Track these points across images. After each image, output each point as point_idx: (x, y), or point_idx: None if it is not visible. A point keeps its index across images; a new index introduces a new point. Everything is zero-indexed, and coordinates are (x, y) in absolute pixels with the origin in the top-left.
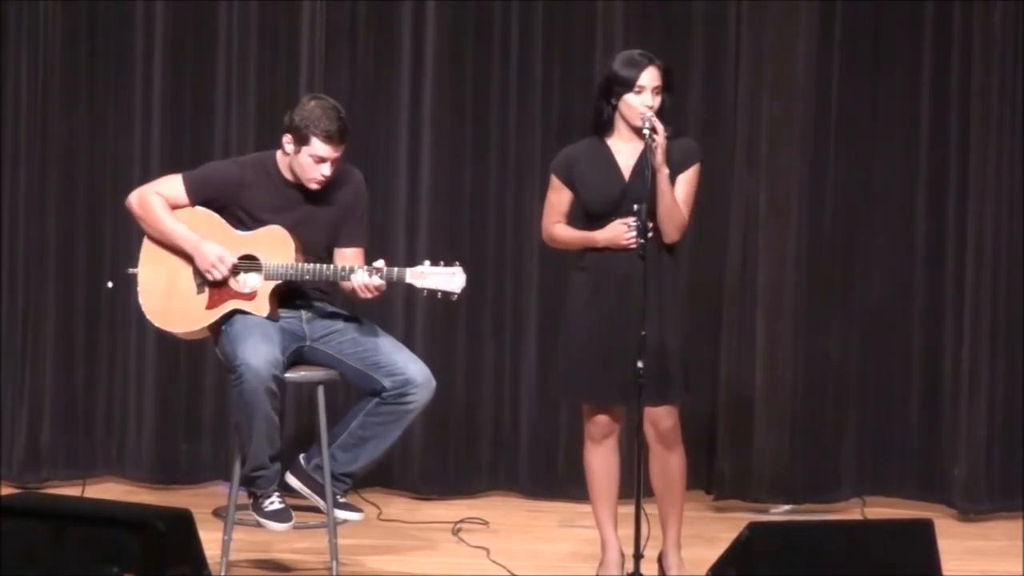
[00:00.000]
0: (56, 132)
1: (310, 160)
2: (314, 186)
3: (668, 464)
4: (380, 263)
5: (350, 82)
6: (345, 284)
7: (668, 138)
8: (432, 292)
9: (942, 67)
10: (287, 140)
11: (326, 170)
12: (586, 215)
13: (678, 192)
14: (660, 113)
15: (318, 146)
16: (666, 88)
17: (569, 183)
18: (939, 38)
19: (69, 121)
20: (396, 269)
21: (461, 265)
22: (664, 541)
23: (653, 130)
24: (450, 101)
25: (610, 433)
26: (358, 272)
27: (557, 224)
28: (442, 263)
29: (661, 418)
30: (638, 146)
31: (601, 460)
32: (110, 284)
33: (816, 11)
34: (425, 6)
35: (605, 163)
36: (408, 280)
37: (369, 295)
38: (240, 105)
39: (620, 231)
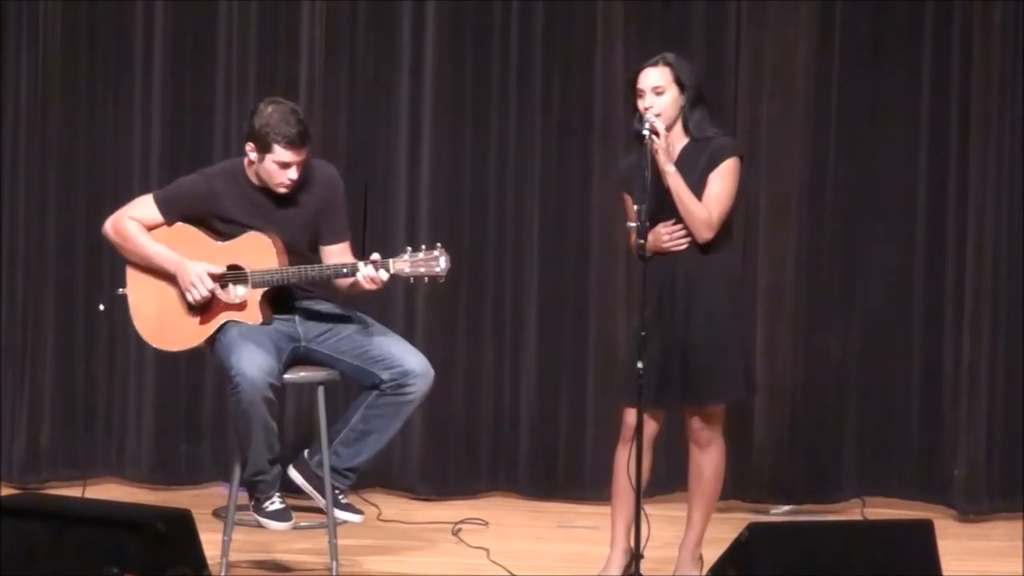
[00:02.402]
0: (56, 132)
1: (275, 166)
2: (282, 190)
3: (699, 463)
4: (376, 256)
5: (350, 82)
6: (341, 281)
7: (709, 137)
8: (419, 278)
9: (942, 67)
10: (250, 148)
11: (292, 174)
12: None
13: (709, 189)
14: (693, 111)
15: (281, 152)
16: (681, 86)
17: (628, 191)
18: (939, 38)
19: (69, 121)
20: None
21: (444, 249)
22: (682, 540)
23: (653, 131)
24: (450, 101)
25: (646, 435)
26: (362, 267)
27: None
28: (423, 247)
29: (689, 417)
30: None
31: (628, 461)
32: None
33: (816, 11)
34: (425, 6)
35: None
36: (393, 271)
37: (375, 287)
38: (240, 105)
39: (660, 235)
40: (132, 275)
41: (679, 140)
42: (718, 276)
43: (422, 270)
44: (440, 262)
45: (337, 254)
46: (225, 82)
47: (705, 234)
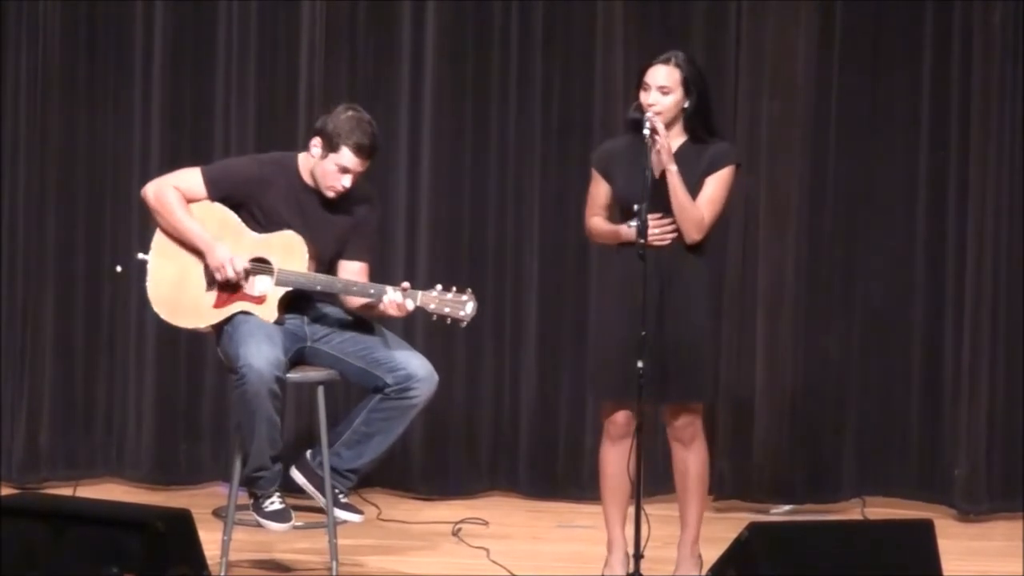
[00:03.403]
0: (56, 132)
1: (334, 168)
2: (331, 194)
3: (685, 461)
4: (406, 284)
5: (350, 82)
6: (353, 300)
7: (704, 141)
8: (442, 317)
9: (942, 67)
10: (315, 144)
11: (347, 182)
12: (619, 210)
13: (704, 192)
14: (694, 115)
15: (346, 156)
16: (688, 90)
17: (606, 176)
18: (939, 38)
19: (69, 121)
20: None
21: (473, 295)
22: (679, 539)
23: (654, 130)
24: (450, 101)
25: (628, 433)
26: (390, 291)
27: (595, 217)
28: (454, 289)
29: (672, 415)
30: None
31: (615, 461)
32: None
33: (816, 11)
34: (425, 6)
35: (637, 159)
36: (419, 303)
37: (398, 314)
38: (240, 105)
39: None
40: (160, 242)
41: (676, 138)
42: (697, 277)
43: (447, 310)
44: (467, 308)
45: (353, 273)
46: (225, 82)
47: (695, 235)
